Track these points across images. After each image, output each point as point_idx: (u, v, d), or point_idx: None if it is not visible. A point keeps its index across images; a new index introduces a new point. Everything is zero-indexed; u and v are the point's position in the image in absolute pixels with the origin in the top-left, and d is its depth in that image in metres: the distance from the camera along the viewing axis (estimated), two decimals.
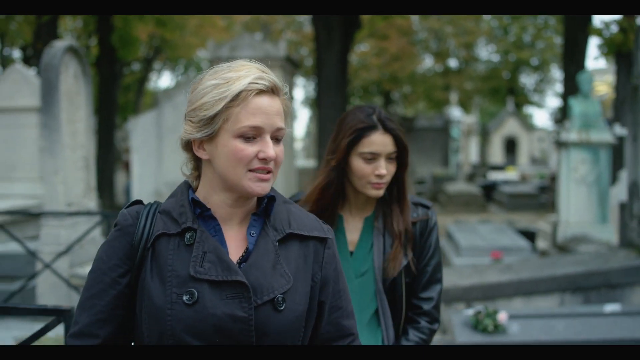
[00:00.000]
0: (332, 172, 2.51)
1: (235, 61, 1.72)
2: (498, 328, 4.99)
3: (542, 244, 11.73)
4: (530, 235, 11.74)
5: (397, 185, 2.55)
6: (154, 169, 12.08)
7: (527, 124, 36.11)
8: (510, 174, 24.98)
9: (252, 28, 33.53)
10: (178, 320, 1.61)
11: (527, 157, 32.75)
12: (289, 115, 1.76)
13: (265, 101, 1.65)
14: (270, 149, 1.66)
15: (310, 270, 1.76)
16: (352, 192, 2.56)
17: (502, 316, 5.04)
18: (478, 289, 6.35)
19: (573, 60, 16.29)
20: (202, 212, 1.72)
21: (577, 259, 7.19)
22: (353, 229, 2.57)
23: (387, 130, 2.46)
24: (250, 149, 1.65)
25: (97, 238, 7.45)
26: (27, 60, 28.78)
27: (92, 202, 7.62)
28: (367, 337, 2.46)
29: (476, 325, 5.07)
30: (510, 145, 33.16)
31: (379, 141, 2.45)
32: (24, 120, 11.05)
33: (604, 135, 10.77)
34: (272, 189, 1.77)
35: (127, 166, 14.22)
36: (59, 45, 7.20)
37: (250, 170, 1.66)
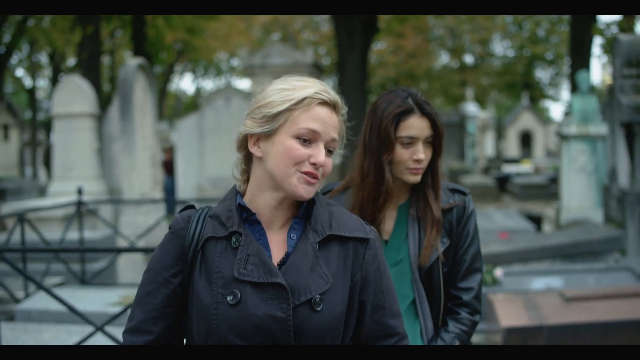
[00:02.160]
0: (388, 168, 2.47)
1: (305, 77, 1.85)
2: (495, 281, 6.58)
3: (547, 227, 13.30)
4: (537, 220, 13.28)
5: (431, 171, 2.51)
6: (196, 167, 13.74)
7: (543, 118, 37.55)
8: (525, 167, 26.49)
9: (271, 29, 35.22)
10: (222, 319, 1.72)
11: (542, 150, 34.17)
12: (343, 135, 1.87)
13: (325, 112, 1.77)
14: (322, 155, 1.76)
15: (350, 270, 1.82)
16: None
17: (498, 272, 6.63)
18: (483, 258, 7.94)
19: (579, 58, 17.83)
20: (248, 217, 1.83)
21: (566, 232, 8.78)
22: (387, 217, 2.56)
23: (425, 113, 2.44)
24: (304, 150, 1.75)
25: (164, 224, 9.13)
26: (63, 69, 30.62)
27: (158, 194, 9.30)
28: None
29: None
30: (526, 139, 34.60)
31: (417, 125, 2.43)
32: (78, 125, 12.68)
33: (600, 129, 12.29)
34: (316, 192, 1.85)
35: (165, 165, 15.83)
36: (131, 63, 8.88)
37: (299, 172, 1.76)
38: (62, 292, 6.77)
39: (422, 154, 2.43)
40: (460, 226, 2.51)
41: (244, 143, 1.86)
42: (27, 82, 37.13)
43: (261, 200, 1.83)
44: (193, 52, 32.49)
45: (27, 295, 6.73)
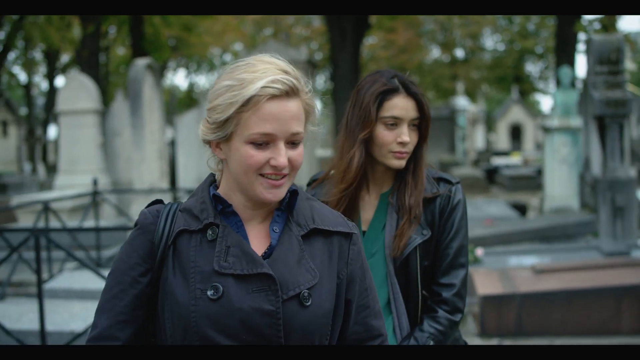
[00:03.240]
0: (361, 147, 2.38)
1: (257, 56, 1.70)
2: (476, 260, 7.37)
3: (531, 215, 14.11)
4: (522, 209, 14.12)
5: (414, 157, 2.41)
6: (196, 159, 14.48)
7: (533, 111, 38.42)
8: (514, 159, 27.34)
9: (263, 25, 35.94)
10: (203, 315, 1.61)
11: (532, 143, 35.04)
12: (313, 113, 1.74)
13: (278, 106, 1.62)
14: (282, 157, 1.64)
15: (335, 266, 1.76)
16: (369, 165, 2.44)
17: (479, 252, 7.43)
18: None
19: (564, 54, 18.67)
20: (224, 209, 1.73)
21: (544, 217, 9.60)
22: (368, 206, 2.47)
23: (410, 94, 2.34)
24: (260, 155, 1.64)
25: None
26: (62, 67, 31.19)
27: (164, 184, 10.06)
28: None
29: None
30: (516, 132, 35.48)
31: (402, 105, 2.33)
32: (83, 121, 13.41)
33: (581, 121, 13.12)
34: (293, 184, 1.77)
35: None
36: (140, 63, 9.64)
37: (261, 175, 1.66)
38: (82, 274, 7.56)
39: (407, 136, 2.33)
40: (444, 217, 2.39)
41: (204, 143, 1.76)
42: (22, 78, 37.78)
43: (235, 199, 1.74)
44: (187, 48, 33.15)
45: (51, 277, 7.47)
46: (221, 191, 1.76)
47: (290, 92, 1.64)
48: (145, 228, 1.73)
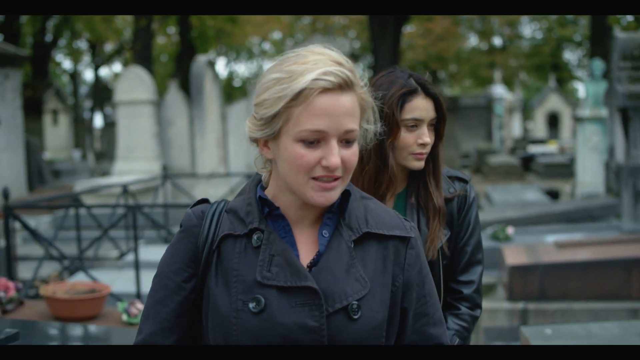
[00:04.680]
0: (389, 153, 2.37)
1: (307, 47, 1.61)
2: (507, 237, 8.39)
3: (563, 200, 15.04)
4: (554, 195, 15.07)
5: (432, 157, 2.43)
6: (245, 148, 15.66)
7: (571, 99, 38.92)
8: (551, 147, 28.12)
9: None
10: (244, 329, 1.56)
11: (569, 131, 35.62)
12: (369, 109, 1.64)
13: (330, 101, 1.52)
14: (334, 156, 1.54)
15: (390, 273, 1.66)
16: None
17: (509, 230, 8.44)
18: (500, 222, 9.75)
19: (598, 45, 19.47)
20: (271, 211, 1.66)
21: (572, 201, 10.56)
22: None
23: (429, 94, 2.37)
24: (311, 155, 1.55)
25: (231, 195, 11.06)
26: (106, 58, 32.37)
27: (222, 169, 11.21)
28: None
29: (494, 236, 8.46)
30: (553, 120, 36.07)
31: (422, 106, 2.35)
32: (139, 111, 14.62)
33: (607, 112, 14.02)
34: (348, 183, 1.66)
35: None
36: (202, 59, 10.81)
37: (313, 178, 1.56)
38: (154, 248, 8.72)
39: (428, 137, 2.36)
40: (461, 216, 2.46)
41: (251, 141, 1.68)
42: (66, 66, 39.31)
43: (285, 199, 1.66)
44: (227, 37, 34.27)
45: (128, 251, 8.64)
46: (269, 192, 1.68)
47: (344, 86, 1.55)
48: (189, 231, 1.69)
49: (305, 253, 1.64)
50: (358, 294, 1.58)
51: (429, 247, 2.37)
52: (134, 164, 14.38)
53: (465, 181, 2.50)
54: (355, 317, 1.57)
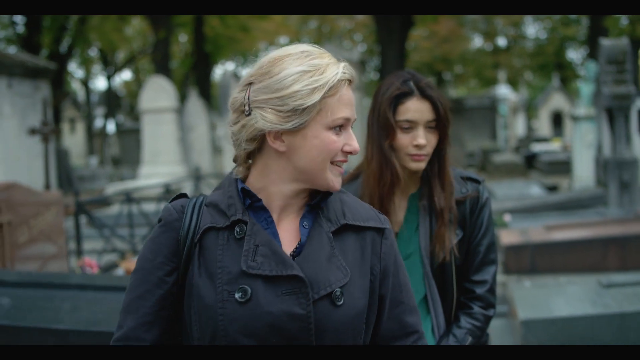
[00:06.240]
0: (388, 153, 2.44)
1: (301, 45, 1.69)
2: (504, 224, 9.67)
3: None
4: (553, 189, 16.34)
5: (437, 158, 2.48)
6: None
7: (574, 98, 40.13)
8: (554, 145, 29.33)
9: (307, 17, 38.14)
10: (231, 319, 1.60)
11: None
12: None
13: (349, 92, 1.67)
14: (355, 142, 1.69)
15: (368, 262, 1.75)
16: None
17: (506, 217, 9.74)
18: (500, 212, 11.04)
19: (596, 45, 20.70)
20: (252, 203, 1.71)
21: (564, 193, 11.86)
22: (398, 208, 2.53)
23: (425, 96, 2.39)
24: (340, 141, 1.67)
25: None
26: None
27: None
28: None
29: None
30: (557, 119, 37.25)
31: (415, 108, 2.39)
32: (162, 118, 15.84)
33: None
34: None
35: None
36: (228, 71, 12.13)
37: (332, 163, 1.68)
38: None
39: (422, 139, 2.39)
40: (474, 216, 2.50)
41: (255, 137, 1.67)
42: (78, 74, 40.58)
43: (275, 190, 1.71)
44: (236, 44, 35.55)
45: None
46: (252, 185, 1.72)
47: (353, 80, 1.70)
48: (170, 225, 1.71)
49: (288, 243, 1.71)
50: (340, 281, 1.67)
51: (437, 248, 2.46)
52: (158, 168, 15.63)
53: (478, 182, 2.55)
54: (339, 303, 1.65)
